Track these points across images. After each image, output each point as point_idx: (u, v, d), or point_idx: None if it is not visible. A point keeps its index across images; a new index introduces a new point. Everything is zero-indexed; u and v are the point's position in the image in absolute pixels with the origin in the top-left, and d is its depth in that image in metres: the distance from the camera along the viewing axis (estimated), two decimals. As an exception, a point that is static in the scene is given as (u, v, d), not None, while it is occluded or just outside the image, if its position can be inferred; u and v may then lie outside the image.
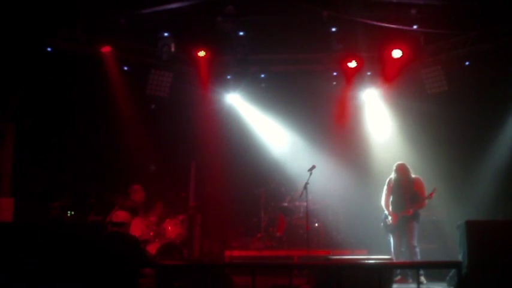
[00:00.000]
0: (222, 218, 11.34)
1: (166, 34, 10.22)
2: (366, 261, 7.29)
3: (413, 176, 8.54)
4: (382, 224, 8.61)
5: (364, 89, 11.27)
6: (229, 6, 9.46)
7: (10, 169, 9.46)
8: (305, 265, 8.40)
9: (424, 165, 10.02)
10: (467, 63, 10.48)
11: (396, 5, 9.35)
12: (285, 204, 11.04)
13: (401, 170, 8.54)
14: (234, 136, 11.64)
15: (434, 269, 8.05)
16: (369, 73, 11.13)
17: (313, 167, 8.77)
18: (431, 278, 7.98)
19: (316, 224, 10.68)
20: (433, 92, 10.46)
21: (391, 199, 8.57)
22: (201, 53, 10.44)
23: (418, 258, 8.19)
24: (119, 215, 8.79)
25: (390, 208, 8.49)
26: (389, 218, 8.45)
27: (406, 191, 8.44)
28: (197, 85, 11.00)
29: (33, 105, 9.92)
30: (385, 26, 9.50)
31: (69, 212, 9.08)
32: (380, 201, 8.67)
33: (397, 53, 10.11)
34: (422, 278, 7.87)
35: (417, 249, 8.24)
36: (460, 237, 6.58)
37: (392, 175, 8.63)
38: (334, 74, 11.30)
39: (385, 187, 8.67)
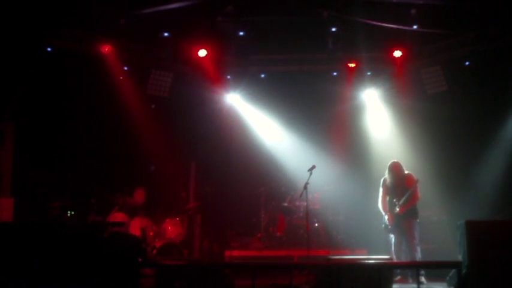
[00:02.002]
0: (222, 218, 11.34)
1: (166, 34, 10.22)
2: (366, 261, 7.28)
3: (406, 172, 8.50)
4: (383, 225, 8.60)
5: (364, 89, 11.27)
6: (229, 6, 9.46)
7: (10, 169, 9.45)
8: (305, 265, 8.39)
9: (424, 165, 10.03)
10: (467, 63, 10.49)
11: (396, 5, 9.36)
12: (285, 204, 11.04)
13: (394, 168, 8.49)
14: (234, 136, 11.64)
15: (434, 269, 8.05)
16: (369, 73, 11.13)
17: (313, 167, 8.77)
18: (431, 278, 7.98)
19: (316, 224, 10.68)
20: (433, 92, 10.47)
21: (387, 199, 8.57)
22: (202, 52, 10.38)
23: (419, 257, 8.17)
24: (117, 217, 8.85)
25: (388, 208, 8.48)
26: (387, 218, 8.45)
27: (399, 190, 8.41)
28: (197, 85, 11.01)
29: (33, 105, 9.92)
30: (385, 26, 9.51)
31: (69, 212, 9.07)
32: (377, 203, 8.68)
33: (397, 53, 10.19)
34: (423, 278, 7.86)
35: (418, 248, 8.21)
36: (460, 237, 6.57)
37: (386, 175, 8.62)
38: (334, 74, 11.30)
39: (381, 188, 8.66)
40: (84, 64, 10.22)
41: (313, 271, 7.49)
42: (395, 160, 8.65)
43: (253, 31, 10.23)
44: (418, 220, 8.44)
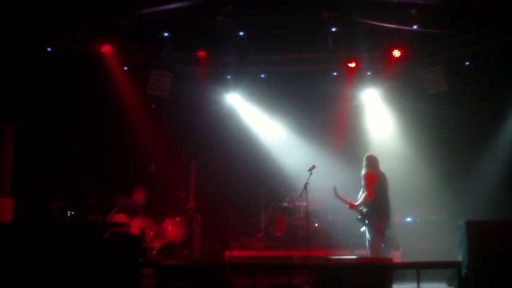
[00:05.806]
0: (222, 218, 11.34)
1: (166, 34, 10.23)
2: (366, 261, 7.27)
3: (367, 170, 8.04)
4: None
5: (364, 89, 11.28)
6: (229, 6, 9.46)
7: (10, 169, 9.45)
8: (305, 265, 8.39)
9: (424, 165, 10.03)
10: (467, 63, 10.49)
11: (396, 5, 9.36)
12: (285, 204, 11.04)
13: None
14: (234, 136, 11.64)
15: (434, 269, 8.04)
16: (369, 73, 11.15)
17: (313, 167, 8.75)
18: (431, 278, 7.97)
19: (316, 224, 10.68)
20: (433, 92, 10.49)
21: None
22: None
23: None
24: (118, 218, 8.85)
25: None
26: None
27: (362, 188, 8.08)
28: (197, 85, 11.01)
29: (34, 105, 9.92)
30: (385, 26, 9.51)
31: (69, 212, 9.07)
32: None
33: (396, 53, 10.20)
34: None
35: (374, 253, 7.61)
36: (460, 237, 6.56)
37: None
38: (334, 74, 11.31)
39: None
40: (84, 64, 10.22)
41: (313, 271, 7.48)
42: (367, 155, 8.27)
43: (253, 31, 10.23)
44: (376, 222, 7.76)
